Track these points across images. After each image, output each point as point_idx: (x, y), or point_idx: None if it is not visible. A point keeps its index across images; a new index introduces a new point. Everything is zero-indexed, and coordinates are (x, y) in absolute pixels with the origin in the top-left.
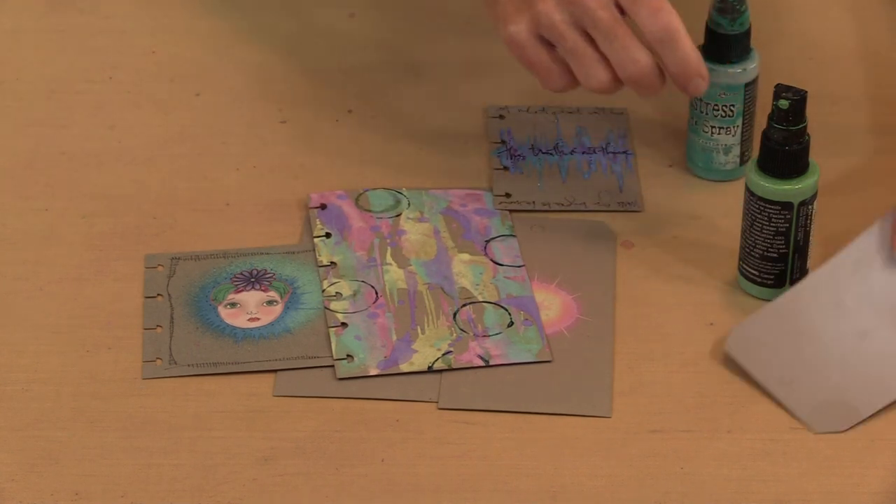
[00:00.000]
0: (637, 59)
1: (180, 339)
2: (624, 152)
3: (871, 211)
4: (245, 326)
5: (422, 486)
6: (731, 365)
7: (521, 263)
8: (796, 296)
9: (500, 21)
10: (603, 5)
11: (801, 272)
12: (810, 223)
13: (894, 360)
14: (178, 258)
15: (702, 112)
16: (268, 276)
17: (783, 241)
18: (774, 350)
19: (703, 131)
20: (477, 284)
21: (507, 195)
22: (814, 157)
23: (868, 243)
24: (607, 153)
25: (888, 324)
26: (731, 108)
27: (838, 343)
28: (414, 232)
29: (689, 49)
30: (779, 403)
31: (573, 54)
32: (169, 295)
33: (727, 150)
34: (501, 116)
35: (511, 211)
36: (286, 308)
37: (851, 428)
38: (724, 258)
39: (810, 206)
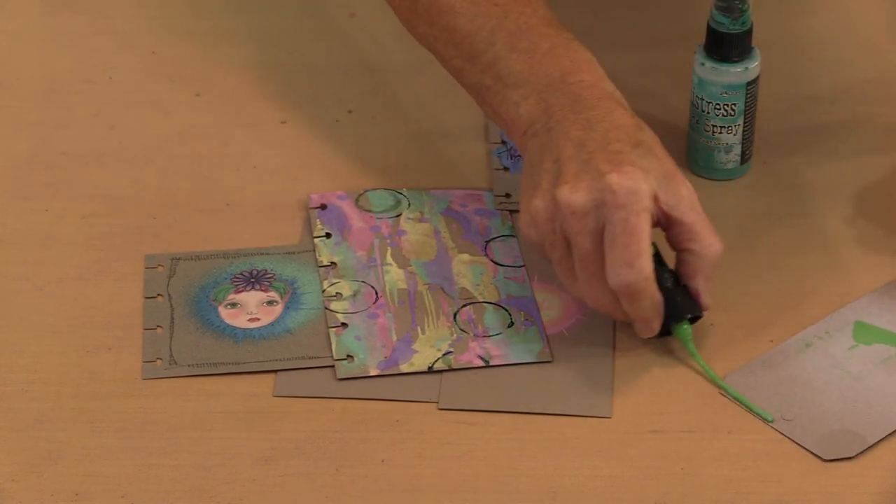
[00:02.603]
0: (597, 297)
1: (180, 339)
2: None
3: (872, 211)
4: (245, 326)
5: (422, 486)
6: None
7: (522, 264)
8: (783, 350)
9: (519, 215)
10: (585, 232)
11: None
12: None
13: (892, 395)
14: (178, 258)
15: (703, 111)
16: (268, 276)
17: None
18: (770, 393)
19: (705, 130)
20: (477, 285)
21: (507, 195)
22: (813, 157)
23: (854, 310)
24: None
25: (880, 370)
26: (733, 107)
27: (834, 385)
28: (414, 232)
29: (644, 306)
30: (785, 436)
31: (557, 263)
32: (169, 295)
33: (728, 149)
34: None
35: (511, 211)
36: (286, 308)
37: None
38: (724, 258)
39: None
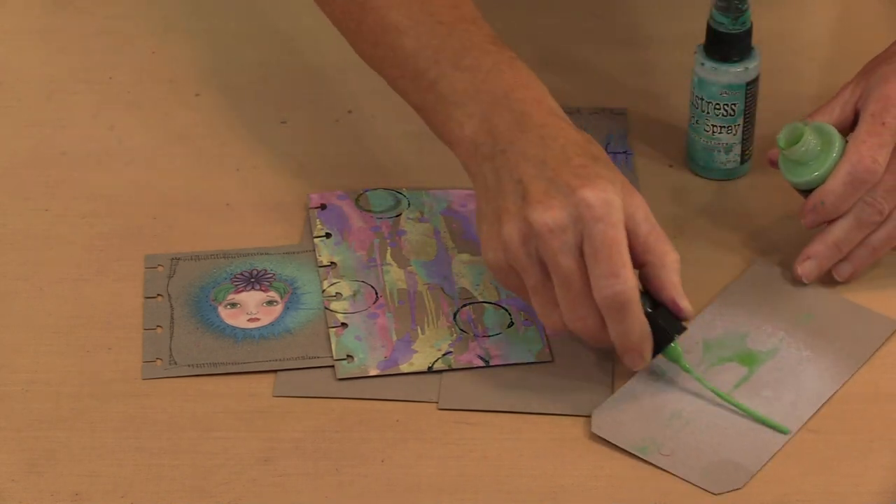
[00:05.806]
0: (583, 316)
1: (180, 339)
2: (624, 152)
3: None
4: (245, 327)
5: (422, 486)
6: None
7: None
8: (642, 379)
9: (481, 245)
10: (565, 250)
11: None
12: None
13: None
14: (178, 258)
15: (703, 111)
16: (268, 276)
17: None
18: (642, 428)
19: (705, 130)
20: (477, 285)
21: None
22: None
23: (698, 327)
24: (607, 153)
25: (740, 392)
26: (733, 106)
27: (700, 413)
28: (414, 232)
29: (632, 324)
30: (667, 471)
31: (534, 291)
32: (169, 295)
33: (728, 149)
34: None
35: None
36: (286, 308)
37: (745, 483)
38: (724, 258)
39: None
